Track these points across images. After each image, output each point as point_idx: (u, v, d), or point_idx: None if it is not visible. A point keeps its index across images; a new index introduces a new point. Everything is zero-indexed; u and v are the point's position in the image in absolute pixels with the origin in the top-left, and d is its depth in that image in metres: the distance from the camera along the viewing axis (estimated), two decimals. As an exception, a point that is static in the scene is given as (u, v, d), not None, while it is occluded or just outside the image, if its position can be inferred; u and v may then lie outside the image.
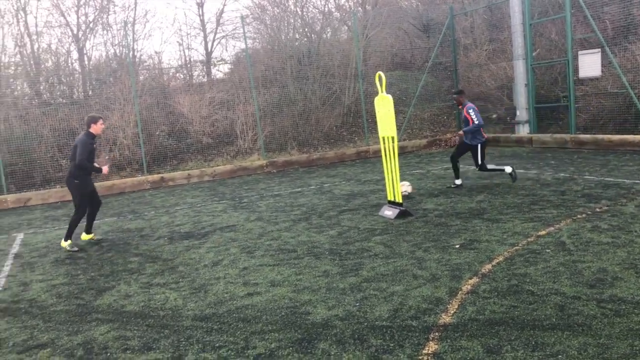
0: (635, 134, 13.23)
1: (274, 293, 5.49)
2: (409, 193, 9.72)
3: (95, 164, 8.30)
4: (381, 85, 8.43)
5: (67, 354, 4.51)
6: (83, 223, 8.64)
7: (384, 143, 8.62)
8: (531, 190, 9.26)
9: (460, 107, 10.21)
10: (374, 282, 5.50)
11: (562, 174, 10.52)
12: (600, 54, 13.87)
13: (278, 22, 21.41)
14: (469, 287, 5.11)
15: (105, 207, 11.78)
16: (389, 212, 8.45)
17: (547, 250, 5.95)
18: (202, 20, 22.72)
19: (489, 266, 5.64)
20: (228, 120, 17.69)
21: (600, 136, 13.74)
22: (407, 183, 9.97)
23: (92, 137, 8.15)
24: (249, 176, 15.56)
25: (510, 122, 17.66)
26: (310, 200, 10.45)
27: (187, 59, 22.11)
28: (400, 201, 8.43)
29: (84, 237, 8.69)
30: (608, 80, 14.69)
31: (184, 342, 4.52)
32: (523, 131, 16.57)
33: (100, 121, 8.22)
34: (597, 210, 7.49)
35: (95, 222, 10.41)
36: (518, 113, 16.72)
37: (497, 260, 5.79)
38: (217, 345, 4.40)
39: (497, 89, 19.10)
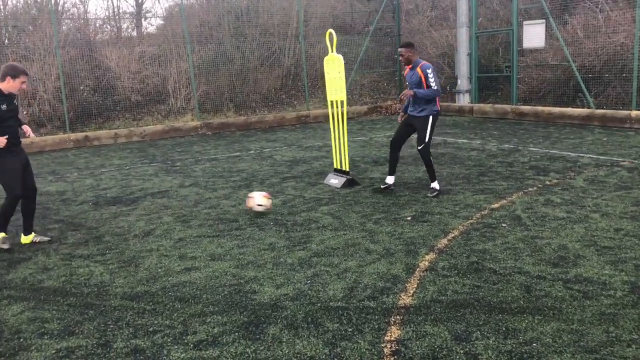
0: (573, 107, 13.37)
1: (215, 268, 4.96)
2: (263, 209, 6.66)
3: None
4: (332, 44, 7.88)
5: (-30, 341, 3.85)
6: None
7: (332, 107, 8.13)
8: (478, 161, 9.07)
9: (408, 67, 7.05)
10: (325, 257, 5.07)
11: (507, 145, 10.42)
12: (544, 25, 13.82)
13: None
14: (426, 263, 4.77)
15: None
16: (335, 181, 8.02)
17: (503, 225, 5.70)
18: (132, -31, 21.19)
19: (444, 241, 5.32)
20: (159, 77, 16.64)
21: (540, 108, 13.81)
22: (259, 198, 6.69)
23: (1, 96, 5.56)
24: (181, 138, 14.71)
25: (451, 90, 17.56)
26: (251, 166, 9.86)
27: (116, 10, 20.64)
28: (347, 169, 8.01)
29: (24, 239, 6.06)
30: (549, 52, 14.75)
31: (111, 326, 3.93)
32: (463, 101, 16.50)
33: (23, 77, 5.60)
34: (547, 183, 7.35)
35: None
36: (459, 82, 16.61)
37: (453, 235, 5.49)
38: (151, 329, 3.85)
39: (438, 57, 18.92)
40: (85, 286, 4.72)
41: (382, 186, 7.55)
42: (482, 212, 6.19)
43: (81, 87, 15.27)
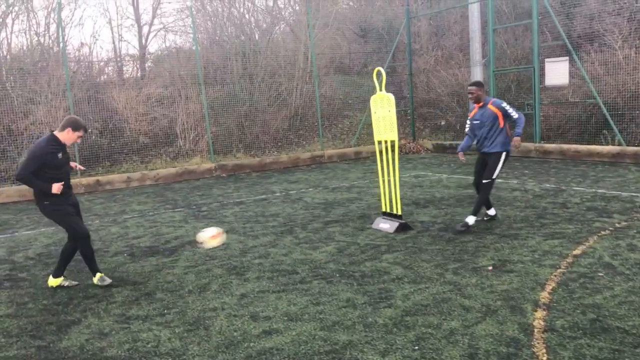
0: (598, 144, 13.10)
1: (298, 331, 4.39)
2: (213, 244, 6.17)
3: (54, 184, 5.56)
4: (380, 83, 7.51)
5: None
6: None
7: (380, 147, 7.73)
8: (526, 202, 8.64)
9: (477, 105, 7.14)
10: (419, 316, 4.53)
11: (547, 185, 10.02)
12: (568, 62, 13.66)
13: (221, 18, 20.08)
14: (541, 322, 4.25)
15: (37, 212, 10.13)
16: (386, 225, 7.52)
17: (600, 274, 5.22)
18: (136, 10, 20.95)
19: (545, 294, 4.82)
20: (167, 119, 16.17)
21: (565, 146, 13.51)
22: (208, 242, 6.05)
23: (55, 143, 5.64)
24: (196, 180, 14.14)
25: (463, 129, 17.27)
26: (283, 209, 9.33)
27: (118, 51, 20.27)
28: (399, 213, 7.53)
29: (51, 282, 5.96)
30: (568, 89, 14.57)
31: (207, 409, 3.35)
32: (479, 139, 16.20)
33: (81, 132, 5.75)
34: (618, 226, 6.91)
35: (30, 232, 8.96)
36: (474, 120, 16.34)
37: (551, 287, 4.99)
38: (256, 412, 3.27)
39: (447, 96, 18.73)
40: (156, 355, 4.12)
41: (485, 218, 7.57)
42: (567, 260, 5.70)
43: (89, 130, 14.72)
